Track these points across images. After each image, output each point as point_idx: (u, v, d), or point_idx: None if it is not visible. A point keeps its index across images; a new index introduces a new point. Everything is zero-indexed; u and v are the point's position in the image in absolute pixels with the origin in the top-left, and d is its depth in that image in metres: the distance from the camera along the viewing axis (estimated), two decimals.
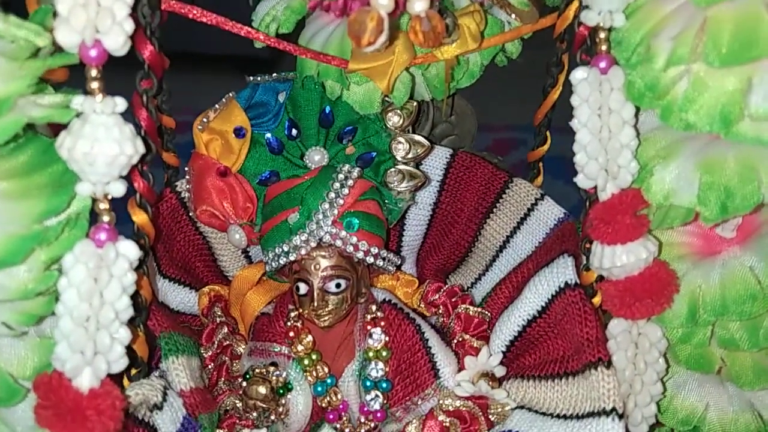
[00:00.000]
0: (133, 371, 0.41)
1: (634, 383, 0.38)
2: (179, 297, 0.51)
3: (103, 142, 0.31)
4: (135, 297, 0.39)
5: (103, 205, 0.32)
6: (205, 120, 0.48)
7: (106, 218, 0.32)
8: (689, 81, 0.33)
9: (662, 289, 0.37)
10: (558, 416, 0.40)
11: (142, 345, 0.40)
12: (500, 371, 0.45)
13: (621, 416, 0.36)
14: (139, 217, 0.39)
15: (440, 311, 0.50)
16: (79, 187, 0.31)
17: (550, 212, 0.49)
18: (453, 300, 0.50)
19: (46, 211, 0.31)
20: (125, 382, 0.40)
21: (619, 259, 0.37)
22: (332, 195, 0.45)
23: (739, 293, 0.35)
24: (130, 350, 0.40)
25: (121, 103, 0.32)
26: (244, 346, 0.49)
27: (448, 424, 0.41)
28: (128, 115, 0.35)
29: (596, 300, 0.42)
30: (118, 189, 0.32)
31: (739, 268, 0.36)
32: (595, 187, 0.39)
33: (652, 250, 0.37)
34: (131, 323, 0.39)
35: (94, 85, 0.32)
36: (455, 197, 0.53)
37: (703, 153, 0.35)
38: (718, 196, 0.34)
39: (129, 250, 0.33)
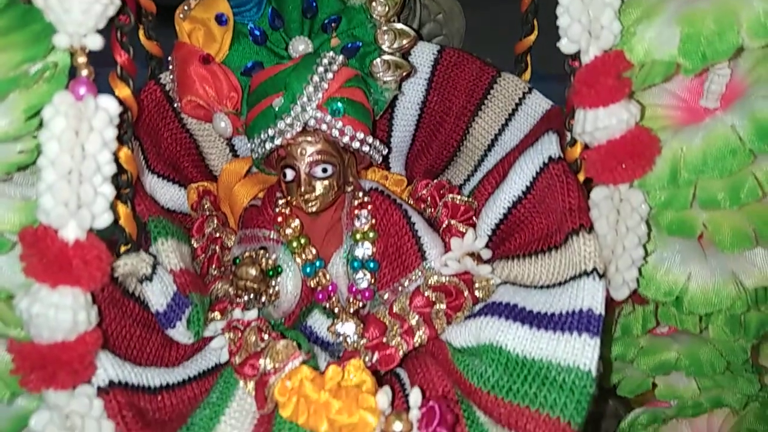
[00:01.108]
0: (122, 248, 0.41)
1: (616, 248, 0.39)
2: (168, 194, 0.51)
3: None
4: (120, 171, 0.39)
5: (81, 59, 0.32)
6: (186, 8, 0.48)
7: (84, 72, 0.32)
8: None
9: (644, 151, 0.37)
10: (542, 287, 0.40)
11: (130, 221, 0.41)
12: (486, 254, 0.45)
13: (602, 276, 0.37)
14: (122, 91, 0.39)
15: (428, 203, 0.51)
16: (56, 38, 0.31)
17: (538, 105, 0.49)
18: (440, 192, 0.50)
19: (23, 60, 0.31)
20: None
21: (601, 122, 0.37)
22: (316, 79, 0.45)
23: (720, 149, 0.35)
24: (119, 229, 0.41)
25: None
26: (234, 238, 0.49)
27: (433, 299, 0.42)
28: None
29: (580, 176, 0.42)
30: (95, 42, 0.32)
31: (721, 127, 0.36)
32: (579, 55, 0.38)
33: (634, 113, 0.37)
34: (118, 198, 0.39)
35: None
36: (443, 95, 0.53)
37: (684, 7, 0.34)
38: (698, 46, 0.33)
39: (109, 104, 0.32)
